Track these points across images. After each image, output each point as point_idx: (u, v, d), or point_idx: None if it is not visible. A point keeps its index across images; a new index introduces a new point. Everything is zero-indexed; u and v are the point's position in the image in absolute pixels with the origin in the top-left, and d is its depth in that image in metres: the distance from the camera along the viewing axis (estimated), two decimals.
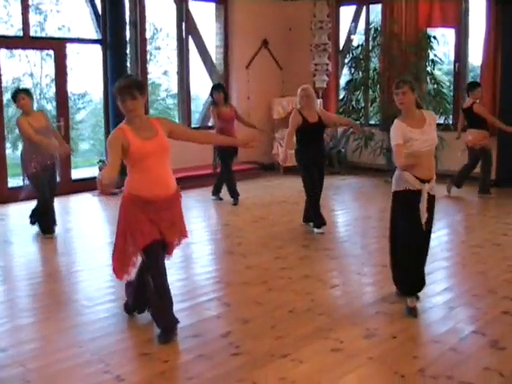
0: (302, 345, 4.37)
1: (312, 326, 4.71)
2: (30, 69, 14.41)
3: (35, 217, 7.70)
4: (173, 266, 5.78)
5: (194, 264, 6.67)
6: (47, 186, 7.43)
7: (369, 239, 7.55)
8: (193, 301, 5.30)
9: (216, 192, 9.81)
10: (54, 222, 7.59)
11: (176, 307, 4.59)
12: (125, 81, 4.31)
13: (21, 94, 7.35)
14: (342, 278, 6.13)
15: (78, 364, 4.13)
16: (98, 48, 10.75)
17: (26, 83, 14.28)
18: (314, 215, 7.67)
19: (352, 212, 9.20)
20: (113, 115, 10.51)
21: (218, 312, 4.90)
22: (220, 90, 9.41)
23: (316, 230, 7.62)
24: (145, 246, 4.31)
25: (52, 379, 3.92)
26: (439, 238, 7.18)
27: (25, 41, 10.01)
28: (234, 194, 9.50)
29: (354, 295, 5.49)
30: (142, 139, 4.26)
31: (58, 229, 7.65)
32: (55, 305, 5.33)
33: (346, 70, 12.51)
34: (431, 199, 4.95)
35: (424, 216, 4.87)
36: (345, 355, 4.21)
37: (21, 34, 10.03)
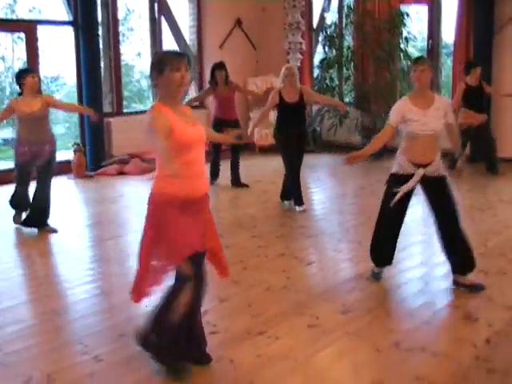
0: (278, 322, 4.41)
1: (288, 303, 4.76)
2: (1, 52, 14.20)
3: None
4: None
5: None
6: (28, 177, 7.11)
7: (345, 216, 7.60)
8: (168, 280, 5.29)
9: (236, 182, 9.27)
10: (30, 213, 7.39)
11: None
12: (174, 51, 3.69)
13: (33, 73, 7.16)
14: (317, 255, 6.19)
15: (57, 346, 4.15)
16: (69, 30, 10.61)
17: None
18: (295, 193, 7.69)
19: (328, 190, 9.25)
20: (86, 98, 10.39)
21: None
22: (223, 69, 9.06)
23: (297, 207, 7.64)
24: (184, 258, 3.49)
25: (30, 362, 3.93)
26: (415, 213, 7.24)
27: None
28: (215, 175, 9.23)
29: (330, 272, 5.55)
30: (185, 123, 3.47)
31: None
32: (34, 287, 5.34)
33: (319, 49, 12.51)
34: (440, 181, 4.87)
35: (400, 194, 4.83)
36: (321, 331, 4.27)
37: None
